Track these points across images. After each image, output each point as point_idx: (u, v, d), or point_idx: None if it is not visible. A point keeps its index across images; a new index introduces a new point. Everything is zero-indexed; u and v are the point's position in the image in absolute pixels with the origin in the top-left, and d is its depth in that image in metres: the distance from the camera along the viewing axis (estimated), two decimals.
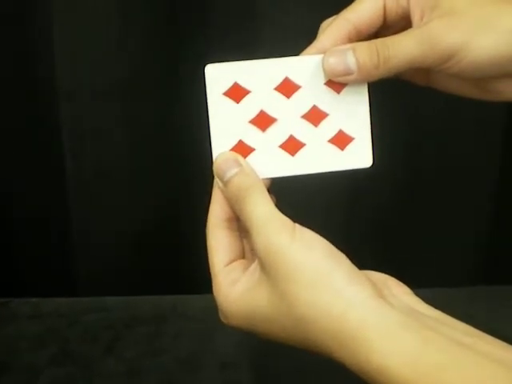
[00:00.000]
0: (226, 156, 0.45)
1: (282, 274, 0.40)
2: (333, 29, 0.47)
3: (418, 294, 0.43)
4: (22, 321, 0.80)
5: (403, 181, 0.88)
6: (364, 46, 0.44)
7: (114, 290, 0.85)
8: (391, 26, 0.48)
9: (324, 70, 0.45)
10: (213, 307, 0.79)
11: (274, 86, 0.45)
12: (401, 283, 0.43)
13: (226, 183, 0.44)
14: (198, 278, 0.85)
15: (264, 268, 0.42)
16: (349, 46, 0.45)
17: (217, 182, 0.45)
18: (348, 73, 0.45)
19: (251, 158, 0.46)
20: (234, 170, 0.44)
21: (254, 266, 0.44)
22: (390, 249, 0.90)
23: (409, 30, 0.45)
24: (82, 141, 0.83)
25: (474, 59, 0.44)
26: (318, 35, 0.48)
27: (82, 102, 0.81)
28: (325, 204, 0.86)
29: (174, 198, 0.88)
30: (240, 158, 0.45)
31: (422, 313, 0.40)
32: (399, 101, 0.79)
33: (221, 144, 0.45)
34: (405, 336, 0.37)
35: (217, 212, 0.46)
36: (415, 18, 0.46)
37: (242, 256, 0.46)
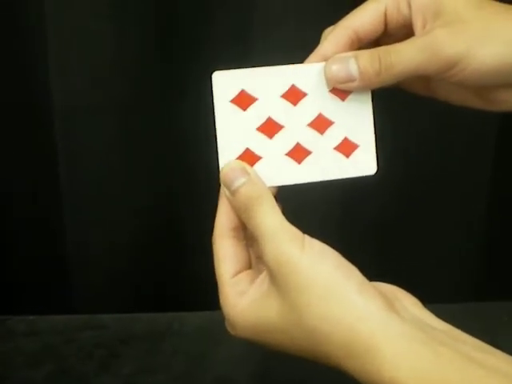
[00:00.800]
0: (233, 165, 0.45)
1: (293, 286, 0.40)
2: (334, 35, 0.47)
3: None
4: (19, 338, 0.80)
5: (401, 189, 0.88)
6: (366, 54, 0.45)
7: (111, 308, 0.85)
8: (393, 34, 0.49)
9: (326, 77, 0.46)
10: (209, 325, 0.79)
11: (281, 93, 0.45)
12: (410, 295, 0.43)
13: (233, 192, 0.44)
14: (195, 295, 0.85)
15: (274, 279, 0.41)
16: (351, 53, 0.45)
17: (224, 191, 0.45)
18: (350, 80, 0.45)
19: (258, 166, 0.45)
20: (242, 180, 0.44)
21: (263, 276, 0.43)
22: (385, 259, 0.90)
23: (412, 38, 0.46)
24: (78, 155, 0.83)
25: (478, 68, 0.44)
26: (321, 42, 0.48)
27: (78, 116, 0.82)
28: (322, 212, 0.86)
29: (172, 215, 0.88)
30: (247, 166, 0.45)
31: (432, 326, 0.40)
32: (397, 107, 0.80)
33: (228, 152, 0.45)
34: (416, 349, 0.37)
35: (223, 221, 0.45)
36: (417, 26, 0.47)
37: (249, 266, 0.46)
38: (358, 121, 0.47)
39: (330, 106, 0.46)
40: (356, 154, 0.47)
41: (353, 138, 0.47)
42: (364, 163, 0.47)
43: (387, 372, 0.37)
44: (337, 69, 0.45)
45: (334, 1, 0.76)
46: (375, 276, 0.43)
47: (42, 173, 0.85)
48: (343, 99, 0.46)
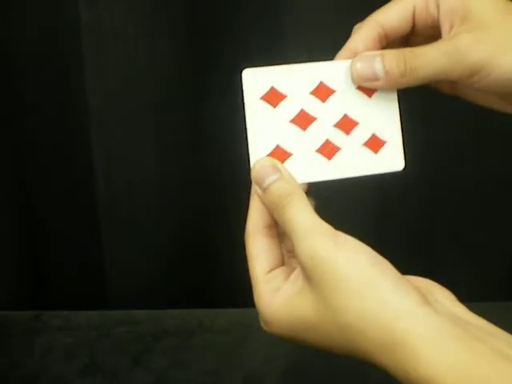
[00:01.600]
0: (264, 162, 0.44)
1: (328, 283, 0.40)
2: (364, 30, 0.48)
3: None
4: (54, 333, 0.81)
5: (433, 192, 0.88)
6: (392, 54, 0.45)
7: (143, 304, 0.86)
8: (420, 33, 0.49)
9: (352, 74, 0.46)
10: (239, 321, 0.80)
11: (310, 90, 0.46)
12: (444, 289, 0.43)
13: (264, 190, 0.44)
14: (226, 292, 0.86)
15: (308, 276, 0.41)
16: (378, 52, 0.46)
17: (255, 188, 0.45)
18: (375, 78, 0.45)
19: (288, 163, 0.45)
20: (273, 177, 0.44)
21: (296, 273, 0.43)
22: (420, 260, 0.90)
23: (437, 42, 0.46)
24: (112, 158, 0.85)
25: (500, 75, 0.45)
26: (351, 36, 0.48)
27: (113, 119, 0.83)
28: (356, 216, 0.86)
29: (203, 214, 0.89)
30: (278, 163, 0.45)
31: (467, 321, 0.40)
32: (431, 110, 0.80)
33: (258, 149, 0.45)
34: (452, 346, 0.37)
35: (256, 219, 0.45)
36: (444, 28, 0.47)
37: (282, 263, 0.45)
38: (384, 117, 0.47)
39: (358, 103, 0.46)
40: (384, 150, 0.47)
41: (380, 135, 0.47)
42: (392, 159, 0.47)
43: (423, 369, 0.37)
44: (362, 67, 0.45)
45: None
46: (409, 272, 0.42)
47: (78, 175, 0.86)
48: (370, 96, 0.47)
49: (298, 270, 0.43)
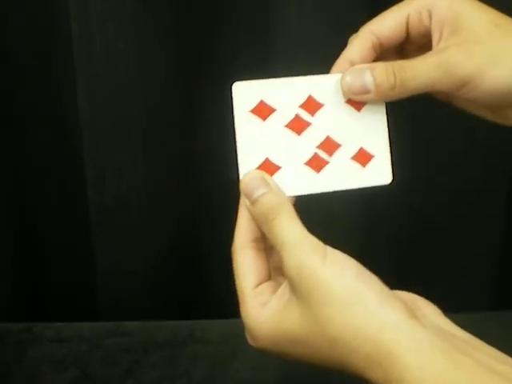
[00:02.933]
0: (254, 175, 0.45)
1: (315, 296, 0.40)
2: (359, 40, 0.49)
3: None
4: (46, 344, 0.81)
5: (420, 205, 0.89)
6: (382, 67, 0.46)
7: (134, 315, 0.86)
8: (414, 42, 0.50)
9: (342, 88, 0.46)
10: (230, 332, 0.81)
11: (298, 104, 0.46)
12: (430, 303, 0.43)
13: (253, 202, 0.44)
14: (216, 303, 0.86)
15: (295, 289, 0.42)
16: (368, 65, 0.46)
17: (244, 201, 0.45)
18: (365, 91, 0.46)
19: (277, 176, 0.46)
20: (262, 190, 0.44)
21: (283, 287, 0.43)
22: (404, 273, 0.91)
23: (427, 55, 0.47)
24: (104, 169, 0.85)
25: (487, 88, 0.45)
26: (347, 46, 0.49)
27: (104, 131, 0.83)
28: (343, 223, 0.86)
29: (193, 225, 0.89)
30: (267, 176, 0.45)
31: (452, 334, 0.40)
32: (416, 123, 0.80)
33: (248, 162, 0.45)
34: (437, 358, 0.37)
35: (243, 232, 0.45)
36: (435, 39, 0.48)
37: (269, 277, 0.46)
38: (373, 131, 0.47)
39: (346, 117, 0.47)
40: (371, 163, 0.47)
41: (368, 149, 0.47)
42: (379, 173, 0.48)
43: (407, 381, 0.37)
44: (352, 80, 0.46)
45: (354, 9, 0.77)
46: (396, 286, 0.43)
47: (69, 189, 0.87)
48: (359, 109, 0.47)
49: (284, 284, 0.43)
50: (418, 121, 0.82)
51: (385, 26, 0.49)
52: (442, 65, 0.45)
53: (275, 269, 0.46)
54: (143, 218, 0.88)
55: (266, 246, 0.46)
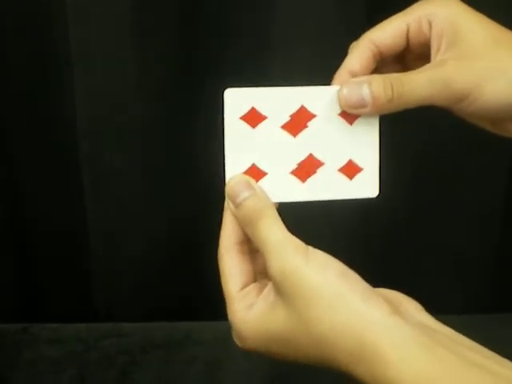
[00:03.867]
0: (239, 179, 0.46)
1: (299, 296, 0.41)
2: (359, 49, 0.48)
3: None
4: (43, 345, 0.82)
5: (408, 207, 0.89)
6: (379, 80, 0.45)
7: (132, 317, 0.87)
8: (414, 51, 0.49)
9: (339, 100, 0.46)
10: (226, 334, 0.81)
11: (290, 113, 0.46)
12: (412, 299, 0.44)
13: (238, 205, 0.45)
14: (213, 305, 0.87)
15: (279, 290, 0.42)
16: (365, 78, 0.46)
17: (229, 204, 0.46)
18: (362, 105, 0.46)
19: (263, 182, 0.46)
20: (247, 193, 0.45)
21: (268, 288, 0.44)
22: (391, 275, 0.91)
23: (424, 68, 0.47)
24: (101, 175, 0.86)
25: (485, 103, 0.46)
26: (347, 56, 0.49)
27: (101, 139, 0.84)
28: (329, 231, 0.87)
29: (189, 227, 0.90)
30: (252, 181, 0.46)
31: (433, 329, 0.41)
32: (402, 133, 0.81)
33: (234, 166, 0.46)
34: (419, 352, 0.38)
35: (228, 236, 0.46)
36: (433, 50, 0.48)
37: (255, 279, 0.46)
38: (363, 145, 0.47)
39: (338, 129, 0.47)
40: (359, 176, 0.47)
41: (357, 161, 0.47)
42: (366, 186, 0.48)
43: (391, 375, 0.38)
44: (350, 93, 0.46)
45: (350, 20, 0.77)
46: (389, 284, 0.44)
47: (68, 190, 0.87)
48: (351, 123, 0.47)
49: (269, 286, 0.44)
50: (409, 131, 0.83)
51: (385, 35, 0.49)
52: (438, 80, 0.45)
53: (260, 271, 0.47)
54: (141, 221, 0.88)
55: (251, 248, 0.47)
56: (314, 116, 0.46)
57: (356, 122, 0.47)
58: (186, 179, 0.86)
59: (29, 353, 0.81)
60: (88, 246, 0.88)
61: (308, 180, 0.47)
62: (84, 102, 0.81)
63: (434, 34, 0.47)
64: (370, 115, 0.47)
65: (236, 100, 0.45)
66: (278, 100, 0.46)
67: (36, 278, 0.92)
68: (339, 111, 0.47)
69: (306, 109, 0.46)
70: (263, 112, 0.46)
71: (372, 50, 0.48)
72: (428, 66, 0.47)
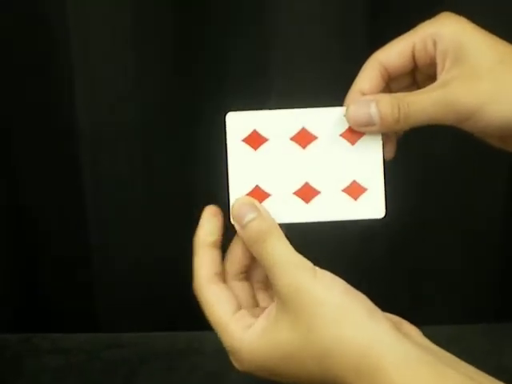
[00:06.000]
0: (243, 201, 0.47)
1: (305, 310, 0.42)
2: (367, 70, 0.49)
3: (431, 331, 0.44)
4: (44, 355, 0.82)
5: (413, 213, 0.90)
6: (386, 100, 0.46)
7: (133, 327, 0.87)
8: (422, 70, 0.50)
9: (347, 118, 0.47)
10: None
11: (291, 135, 0.47)
12: (413, 326, 0.45)
13: (244, 227, 0.45)
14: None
15: (286, 305, 0.43)
16: (372, 97, 0.47)
17: (235, 225, 0.46)
18: (370, 123, 0.46)
19: (266, 203, 0.47)
20: (252, 215, 0.45)
21: (270, 308, 0.44)
22: (401, 281, 0.91)
23: (430, 88, 0.47)
24: (102, 179, 0.86)
25: (489, 123, 0.46)
26: (357, 77, 0.50)
27: (102, 142, 0.84)
28: (331, 247, 0.87)
29: (191, 235, 0.90)
30: (256, 202, 0.47)
31: (434, 351, 0.42)
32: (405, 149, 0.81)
33: (238, 188, 0.47)
34: (422, 371, 0.39)
35: (207, 268, 0.47)
36: (438, 68, 0.48)
37: (240, 306, 0.46)
38: (367, 164, 0.48)
39: (340, 149, 0.47)
40: (364, 197, 0.48)
41: (361, 182, 0.48)
42: (372, 207, 0.48)
43: None
44: (358, 112, 0.46)
45: (350, 39, 0.78)
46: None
47: (68, 197, 0.87)
48: (353, 143, 0.47)
49: (271, 306, 0.44)
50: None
51: (391, 56, 0.49)
52: (443, 101, 0.46)
53: (257, 281, 0.48)
54: (140, 229, 0.89)
55: (252, 276, 0.48)
56: (315, 137, 0.47)
57: (359, 142, 0.47)
58: (187, 188, 0.87)
59: (31, 363, 0.81)
60: (89, 256, 0.89)
61: (312, 201, 0.47)
62: (84, 105, 0.81)
63: (439, 53, 0.48)
64: (376, 133, 0.47)
65: (238, 123, 0.46)
66: (279, 122, 0.47)
67: (38, 289, 0.92)
68: (341, 132, 0.47)
69: (307, 130, 0.47)
70: (264, 134, 0.47)
71: (380, 70, 0.49)
72: (432, 86, 0.47)
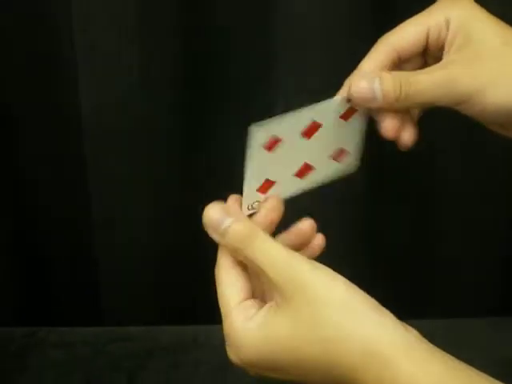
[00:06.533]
0: (214, 207, 0.45)
1: (306, 299, 0.41)
2: (376, 52, 0.49)
3: (436, 324, 0.44)
4: (50, 349, 0.82)
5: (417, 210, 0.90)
6: (389, 78, 0.46)
7: (138, 320, 0.87)
8: (431, 54, 0.49)
9: (352, 94, 0.47)
10: None
11: (301, 130, 0.48)
12: (412, 328, 0.43)
13: (223, 234, 0.44)
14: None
15: (286, 297, 0.42)
16: (376, 74, 0.46)
17: (212, 236, 0.45)
18: (373, 98, 0.46)
19: (272, 189, 0.48)
20: (228, 220, 0.44)
21: (269, 303, 0.44)
22: (406, 276, 0.91)
23: (432, 69, 0.47)
24: (106, 176, 0.86)
25: (487, 106, 0.46)
26: (365, 57, 0.49)
27: (106, 140, 0.84)
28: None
29: (195, 230, 0.90)
30: (226, 205, 0.46)
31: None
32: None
33: (252, 187, 0.47)
34: (431, 360, 0.39)
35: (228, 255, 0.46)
36: (445, 51, 0.48)
37: (253, 296, 0.46)
38: (351, 133, 0.50)
39: (337, 130, 0.49)
40: (345, 158, 0.51)
41: (346, 147, 0.50)
42: (349, 164, 0.51)
43: (402, 381, 0.38)
44: (361, 88, 0.46)
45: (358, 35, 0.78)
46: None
47: (73, 195, 0.87)
48: (346, 120, 0.49)
49: (272, 302, 0.44)
50: None
51: (404, 39, 0.48)
52: (444, 82, 0.46)
53: (257, 295, 0.46)
54: (146, 225, 0.89)
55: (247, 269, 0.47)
56: (320, 125, 0.48)
57: (351, 119, 0.49)
58: (189, 186, 0.87)
59: (36, 357, 0.81)
60: (94, 250, 0.89)
61: (307, 175, 0.50)
62: (88, 102, 0.81)
63: (449, 37, 0.48)
64: (380, 109, 0.48)
65: (260, 135, 0.46)
66: (291, 122, 0.47)
67: (43, 283, 0.92)
68: (340, 114, 0.49)
69: (316, 122, 0.48)
70: (280, 136, 0.47)
71: (391, 54, 0.48)
72: (435, 67, 0.47)
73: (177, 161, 0.86)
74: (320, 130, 0.48)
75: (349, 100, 0.48)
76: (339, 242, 0.86)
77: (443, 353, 0.40)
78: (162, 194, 0.88)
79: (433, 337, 0.41)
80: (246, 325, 0.43)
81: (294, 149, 0.48)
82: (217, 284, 0.46)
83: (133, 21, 0.79)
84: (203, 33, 0.81)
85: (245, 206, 0.47)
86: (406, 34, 0.49)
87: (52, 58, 0.81)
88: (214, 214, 0.45)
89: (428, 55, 0.50)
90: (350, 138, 0.50)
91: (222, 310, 0.45)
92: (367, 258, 0.90)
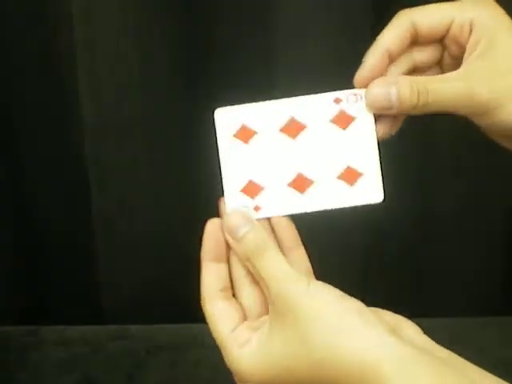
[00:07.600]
0: (237, 213, 0.46)
1: (302, 320, 0.42)
2: (396, 26, 0.47)
3: (433, 324, 0.44)
4: (49, 347, 0.82)
5: (417, 217, 0.90)
6: (407, 85, 0.45)
7: (137, 319, 0.87)
8: (448, 45, 0.48)
9: (366, 100, 0.46)
10: None
11: (280, 126, 0.46)
12: (411, 322, 0.44)
13: (239, 240, 0.45)
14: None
15: (280, 318, 0.42)
16: (393, 79, 0.46)
17: (228, 239, 0.46)
18: (389, 106, 0.45)
19: (261, 196, 0.47)
20: (247, 227, 0.45)
21: (264, 322, 0.44)
22: (404, 274, 0.91)
23: (450, 78, 0.46)
24: (106, 175, 0.86)
25: (500, 122, 0.46)
26: (382, 32, 0.47)
27: (107, 138, 0.84)
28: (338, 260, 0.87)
29: (195, 228, 0.90)
30: (249, 214, 0.46)
31: (433, 351, 0.41)
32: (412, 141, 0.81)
33: (232, 184, 0.47)
34: (420, 371, 0.39)
35: (210, 284, 0.46)
36: (466, 55, 0.47)
37: (244, 318, 0.46)
38: (360, 149, 0.47)
39: (331, 136, 0.46)
40: (360, 181, 0.47)
41: (356, 167, 0.47)
42: (369, 191, 0.47)
43: None
44: (378, 95, 0.45)
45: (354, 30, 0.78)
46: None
47: (72, 191, 0.87)
48: (344, 128, 0.47)
49: (266, 320, 0.44)
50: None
51: (427, 19, 0.47)
52: (463, 93, 0.45)
53: (246, 316, 0.47)
54: (146, 223, 0.89)
55: (231, 295, 0.47)
56: (304, 126, 0.46)
57: (350, 127, 0.46)
58: (190, 180, 0.87)
59: (35, 355, 0.81)
60: (94, 249, 0.89)
61: (307, 190, 0.47)
62: (89, 101, 0.81)
63: (472, 40, 0.47)
64: (394, 116, 0.47)
65: (227, 119, 0.46)
66: (266, 114, 0.46)
67: (44, 282, 0.92)
68: (331, 118, 0.46)
69: (295, 120, 0.46)
70: (253, 127, 0.46)
71: (410, 32, 0.47)
72: (454, 75, 0.46)
73: (177, 161, 0.86)
74: (307, 132, 0.47)
75: (338, 101, 0.46)
76: (339, 241, 0.86)
77: (442, 360, 0.40)
78: (162, 193, 0.88)
79: (433, 337, 0.41)
80: (241, 353, 0.44)
81: (277, 148, 0.47)
82: (205, 318, 0.46)
83: (133, 20, 0.79)
84: (203, 33, 0.81)
85: (229, 207, 0.47)
86: (430, 16, 0.47)
87: (52, 57, 0.81)
88: (234, 220, 0.46)
89: (444, 46, 0.49)
90: (358, 153, 0.47)
91: (217, 343, 0.46)
92: (367, 258, 0.90)
